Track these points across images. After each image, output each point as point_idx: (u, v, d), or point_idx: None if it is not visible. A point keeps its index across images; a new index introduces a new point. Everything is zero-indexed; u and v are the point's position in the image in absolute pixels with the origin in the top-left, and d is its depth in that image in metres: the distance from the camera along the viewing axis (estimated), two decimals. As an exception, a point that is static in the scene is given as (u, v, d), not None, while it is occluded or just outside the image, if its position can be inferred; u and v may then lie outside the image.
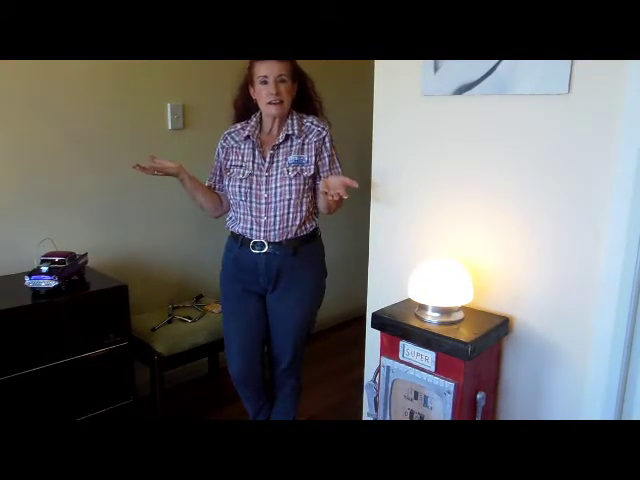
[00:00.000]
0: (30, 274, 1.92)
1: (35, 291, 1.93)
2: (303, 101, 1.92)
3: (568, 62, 1.29)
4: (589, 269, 1.35)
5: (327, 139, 1.89)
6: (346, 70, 3.12)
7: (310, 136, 1.87)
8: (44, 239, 2.07)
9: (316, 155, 1.87)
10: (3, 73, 2.08)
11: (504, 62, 1.39)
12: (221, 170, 1.96)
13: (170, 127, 2.59)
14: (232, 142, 1.93)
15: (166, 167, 1.85)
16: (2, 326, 1.80)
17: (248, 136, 1.88)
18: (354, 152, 2.61)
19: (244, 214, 1.89)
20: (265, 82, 1.78)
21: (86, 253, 2.17)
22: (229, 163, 1.91)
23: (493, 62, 1.41)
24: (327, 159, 1.89)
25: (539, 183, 1.40)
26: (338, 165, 1.93)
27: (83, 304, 2.00)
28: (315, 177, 1.89)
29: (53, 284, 1.91)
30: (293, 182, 1.84)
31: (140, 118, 2.49)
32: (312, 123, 1.89)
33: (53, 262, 1.97)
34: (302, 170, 1.85)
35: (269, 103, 1.80)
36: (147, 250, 2.61)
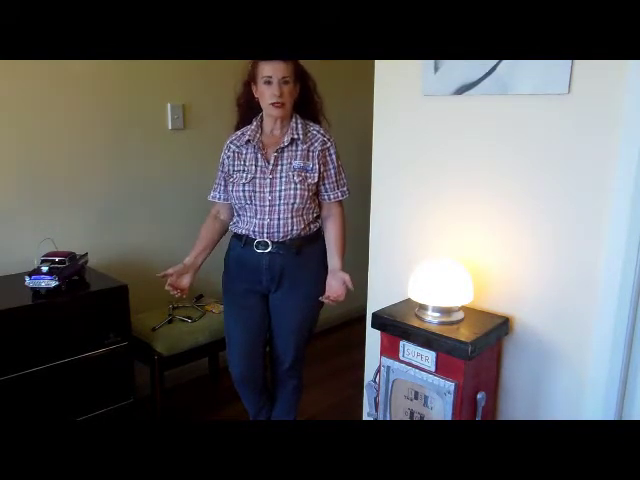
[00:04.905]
0: (30, 274, 1.92)
1: (35, 291, 1.93)
2: (304, 101, 1.92)
3: (568, 62, 1.29)
4: (589, 269, 1.35)
5: (332, 150, 1.90)
6: (346, 70, 3.12)
7: (315, 144, 1.87)
8: (44, 239, 2.07)
9: (320, 164, 1.87)
10: (3, 73, 2.08)
11: (504, 62, 1.39)
12: (225, 180, 1.95)
13: (170, 127, 2.59)
14: (234, 148, 1.92)
15: (182, 285, 1.93)
16: (2, 326, 1.80)
17: (249, 140, 1.88)
18: (354, 152, 2.60)
19: (250, 217, 1.88)
20: (269, 82, 1.78)
21: (86, 253, 2.17)
22: (232, 169, 1.91)
23: (493, 62, 1.41)
24: (333, 171, 1.91)
25: (539, 183, 1.40)
26: (344, 176, 1.95)
27: (83, 304, 2.00)
28: (319, 184, 1.90)
29: (53, 284, 1.91)
30: (298, 187, 1.84)
31: (140, 118, 2.49)
32: (318, 132, 1.90)
33: (53, 262, 1.97)
34: (307, 177, 1.85)
35: (272, 104, 1.80)
36: (147, 250, 2.60)
